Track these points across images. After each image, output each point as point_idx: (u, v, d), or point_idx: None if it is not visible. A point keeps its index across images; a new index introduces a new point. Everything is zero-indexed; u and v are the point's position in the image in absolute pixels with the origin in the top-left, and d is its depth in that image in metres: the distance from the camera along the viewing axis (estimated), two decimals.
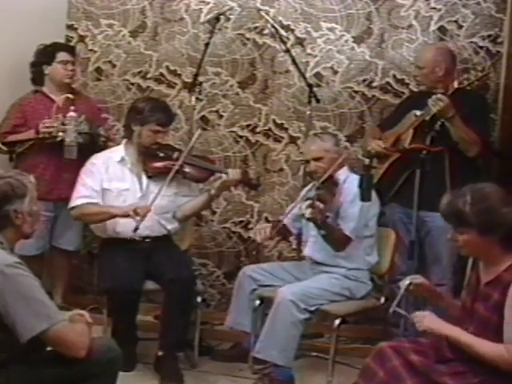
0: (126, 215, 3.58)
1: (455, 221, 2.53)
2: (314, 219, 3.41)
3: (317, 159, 3.71)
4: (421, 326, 2.50)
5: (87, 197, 3.72)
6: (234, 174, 3.76)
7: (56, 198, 4.11)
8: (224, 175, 3.74)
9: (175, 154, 3.79)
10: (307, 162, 3.80)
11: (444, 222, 3.73)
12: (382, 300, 3.73)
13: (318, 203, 3.40)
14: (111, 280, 3.54)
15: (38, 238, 3.94)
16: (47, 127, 3.93)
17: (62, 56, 4.14)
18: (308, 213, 3.38)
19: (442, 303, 2.77)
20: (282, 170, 4.55)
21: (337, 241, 3.59)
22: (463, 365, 2.45)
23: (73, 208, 3.77)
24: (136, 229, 3.55)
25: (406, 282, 2.68)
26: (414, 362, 2.47)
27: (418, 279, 2.72)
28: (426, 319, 2.51)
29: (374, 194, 3.61)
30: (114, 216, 3.65)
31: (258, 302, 3.72)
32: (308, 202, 3.43)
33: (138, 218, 3.54)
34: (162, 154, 3.77)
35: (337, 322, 3.52)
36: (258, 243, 3.75)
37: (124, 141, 3.87)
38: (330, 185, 3.56)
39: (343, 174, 3.72)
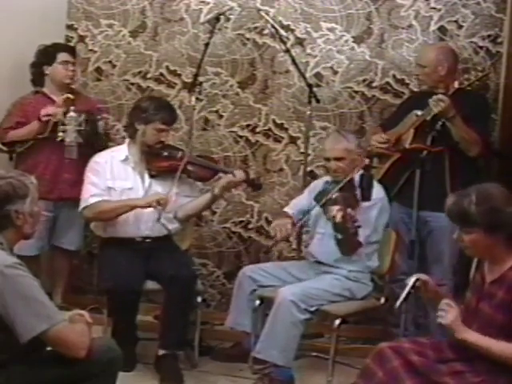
0: (149, 205, 3.62)
1: (461, 221, 2.53)
2: (344, 224, 3.31)
3: (338, 159, 3.66)
4: (445, 319, 2.47)
5: (98, 195, 3.71)
6: (238, 174, 3.77)
7: (56, 197, 4.12)
8: (230, 175, 3.75)
9: (179, 154, 3.81)
10: (327, 159, 3.72)
11: (446, 222, 3.73)
12: (382, 300, 3.73)
13: (349, 210, 3.32)
14: (111, 280, 3.54)
15: (38, 239, 3.93)
16: (49, 114, 3.92)
17: (62, 57, 4.15)
18: (339, 217, 3.30)
19: None
20: (281, 170, 4.55)
21: (349, 245, 3.49)
22: (464, 365, 2.45)
23: (85, 208, 3.74)
24: (159, 218, 3.59)
25: (412, 278, 2.68)
26: (414, 363, 2.46)
27: (425, 276, 2.72)
28: (452, 315, 2.47)
29: (386, 201, 3.64)
30: (135, 207, 3.67)
31: (258, 302, 3.72)
32: (338, 206, 3.35)
33: (160, 207, 3.58)
34: (165, 153, 3.80)
35: (337, 322, 3.52)
36: (277, 240, 3.66)
37: (127, 140, 3.88)
38: (350, 188, 3.49)
39: (358, 177, 3.62)
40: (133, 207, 3.68)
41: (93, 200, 3.70)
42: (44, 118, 3.96)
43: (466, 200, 2.49)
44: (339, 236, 3.41)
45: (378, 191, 3.60)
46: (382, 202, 3.66)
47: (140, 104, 3.85)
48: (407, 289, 2.66)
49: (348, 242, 3.45)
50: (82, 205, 3.74)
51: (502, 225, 2.46)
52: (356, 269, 3.66)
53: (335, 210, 3.34)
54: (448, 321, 2.47)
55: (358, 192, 3.47)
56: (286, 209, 3.93)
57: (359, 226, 3.34)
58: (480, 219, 2.45)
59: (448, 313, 2.48)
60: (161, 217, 3.61)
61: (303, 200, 3.89)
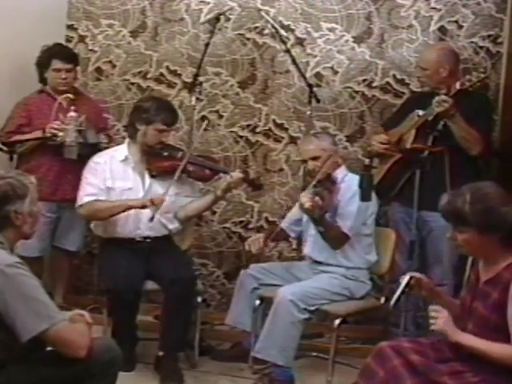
0: (143, 206, 3.61)
1: (455, 220, 2.52)
2: (312, 211, 3.42)
3: (314, 158, 3.72)
4: (435, 325, 2.46)
5: (94, 194, 3.70)
6: (238, 174, 3.76)
7: (60, 198, 4.10)
8: (227, 176, 3.75)
9: (179, 154, 3.80)
10: (305, 161, 3.82)
11: (446, 222, 3.75)
12: (382, 300, 3.73)
13: (316, 198, 3.42)
14: (111, 280, 3.55)
15: (41, 240, 3.94)
16: (55, 129, 3.90)
17: (55, 64, 4.08)
18: (308, 204, 3.39)
19: (440, 302, 2.77)
20: (281, 170, 4.55)
21: (334, 238, 3.61)
22: (463, 364, 2.45)
23: (81, 206, 3.74)
24: (152, 218, 3.58)
25: (406, 277, 2.68)
26: (414, 362, 2.46)
27: (418, 275, 2.71)
28: (441, 320, 2.46)
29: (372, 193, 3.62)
30: (130, 207, 3.65)
31: (257, 301, 3.72)
32: (307, 193, 3.45)
33: (154, 207, 3.57)
34: (165, 154, 3.79)
35: (337, 321, 3.53)
36: (253, 254, 3.75)
37: (126, 140, 3.87)
38: (328, 183, 3.57)
39: (341, 173, 3.73)
40: (127, 208, 3.66)
41: (87, 199, 3.70)
42: (49, 132, 3.91)
43: (460, 199, 2.47)
44: (320, 229, 3.52)
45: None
46: None
47: (141, 104, 3.84)
48: (401, 288, 2.66)
49: (331, 234, 3.56)
50: (78, 203, 3.75)
51: (497, 225, 2.43)
52: (355, 265, 3.68)
53: (304, 196, 3.43)
54: (439, 326, 2.46)
55: (336, 187, 3.55)
56: (278, 222, 4.00)
57: (326, 212, 3.45)
58: (474, 219, 2.43)
59: (438, 318, 2.47)
60: (154, 217, 3.59)
61: (295, 211, 3.91)
